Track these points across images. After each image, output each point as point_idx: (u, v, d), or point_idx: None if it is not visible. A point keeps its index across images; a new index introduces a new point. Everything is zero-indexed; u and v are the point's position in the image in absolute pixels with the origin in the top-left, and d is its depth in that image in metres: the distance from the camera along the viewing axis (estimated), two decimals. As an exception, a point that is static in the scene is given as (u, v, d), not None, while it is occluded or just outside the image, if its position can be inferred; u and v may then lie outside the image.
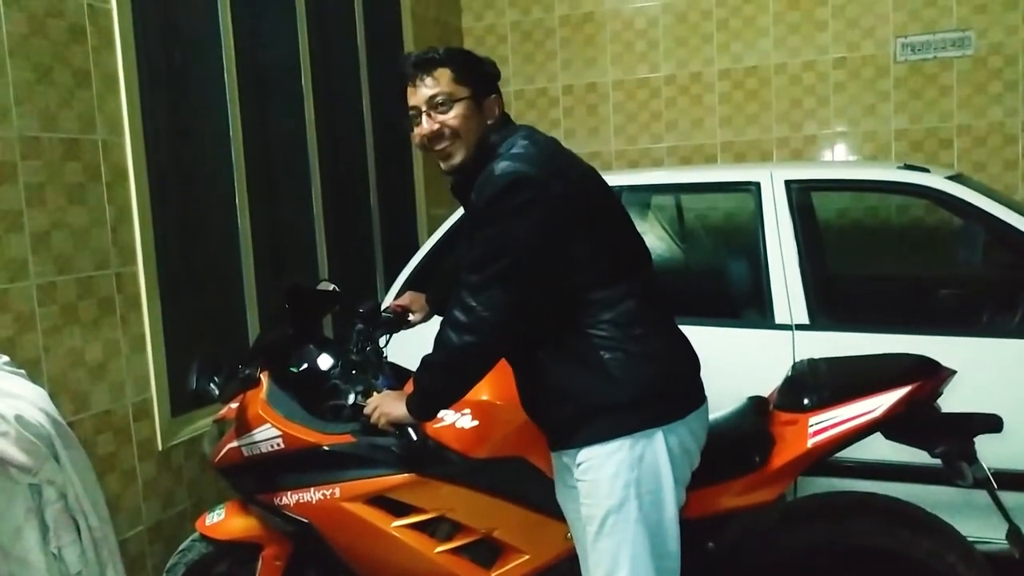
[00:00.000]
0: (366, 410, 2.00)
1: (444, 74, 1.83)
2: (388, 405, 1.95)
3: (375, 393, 2.10)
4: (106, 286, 2.72)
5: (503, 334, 1.78)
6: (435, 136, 1.83)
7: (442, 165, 1.88)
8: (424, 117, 1.84)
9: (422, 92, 1.84)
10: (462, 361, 1.81)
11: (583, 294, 1.78)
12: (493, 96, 1.89)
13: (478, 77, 1.87)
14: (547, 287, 1.76)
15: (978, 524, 2.32)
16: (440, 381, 1.86)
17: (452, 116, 1.82)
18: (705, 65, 4.96)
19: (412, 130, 1.89)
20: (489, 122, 1.86)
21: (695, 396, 1.89)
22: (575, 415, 1.81)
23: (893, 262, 4.26)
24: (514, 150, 1.77)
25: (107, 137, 2.74)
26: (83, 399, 2.63)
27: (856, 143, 4.75)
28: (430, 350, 1.86)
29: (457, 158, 1.84)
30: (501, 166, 1.73)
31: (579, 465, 1.83)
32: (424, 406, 1.91)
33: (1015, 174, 4.46)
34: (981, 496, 2.03)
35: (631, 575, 1.79)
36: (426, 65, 1.85)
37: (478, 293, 1.73)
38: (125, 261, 2.79)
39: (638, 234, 1.93)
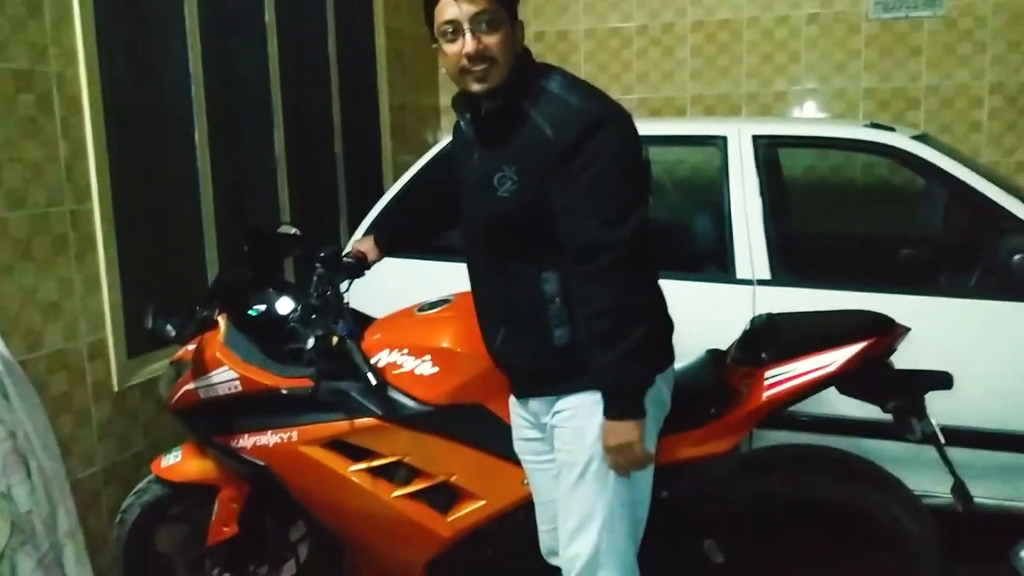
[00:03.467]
0: (613, 464, 1.78)
1: None
2: (626, 438, 1.73)
3: (335, 338, 2.08)
4: (60, 223, 2.65)
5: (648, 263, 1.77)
6: (476, 56, 1.71)
7: (475, 87, 1.75)
8: (468, 34, 1.71)
9: (465, 8, 1.70)
10: (649, 318, 1.73)
11: None
12: (519, 21, 1.81)
13: (513, 0, 1.79)
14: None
15: (926, 479, 2.37)
16: (646, 356, 1.73)
17: (496, 39, 1.72)
18: (678, 16, 4.91)
19: (440, 45, 1.77)
20: (518, 49, 1.78)
21: (672, 350, 1.90)
22: (566, 363, 1.78)
23: (856, 220, 4.30)
24: (578, 86, 1.76)
25: (61, 69, 2.65)
26: (36, 338, 2.58)
27: (825, 100, 4.75)
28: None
29: (494, 81, 1.74)
30: (576, 100, 1.72)
31: (560, 412, 1.83)
32: (641, 394, 1.74)
33: (979, 136, 4.50)
34: (930, 452, 2.08)
35: (606, 521, 1.80)
36: None
37: (633, 248, 1.68)
38: (80, 198, 2.72)
39: None
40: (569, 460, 1.83)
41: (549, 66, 1.82)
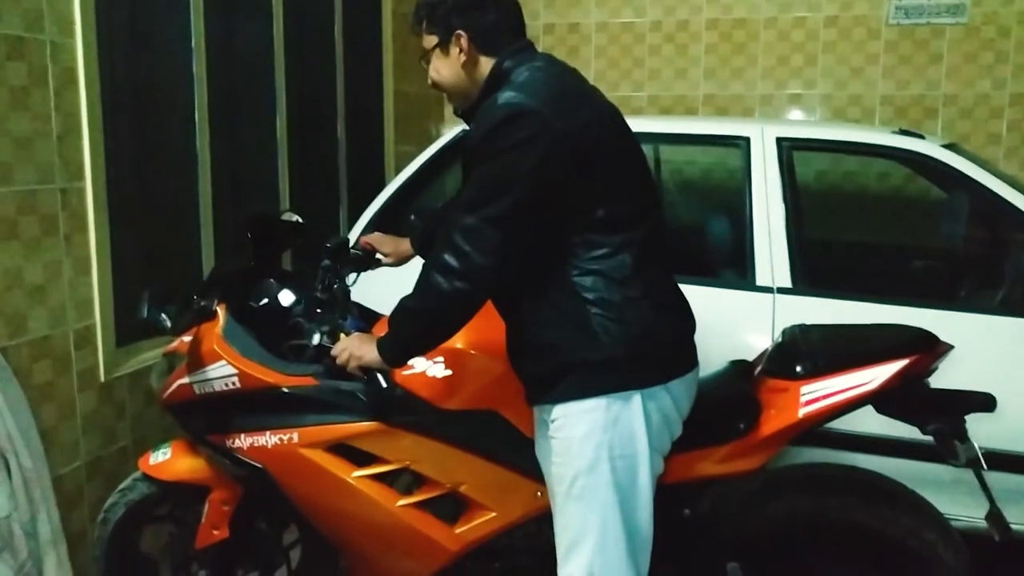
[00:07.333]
0: (334, 351, 1.87)
1: (423, 25, 1.80)
2: (360, 348, 1.82)
3: (343, 335, 1.96)
4: (49, 202, 2.51)
5: (495, 281, 1.67)
6: (434, 86, 1.84)
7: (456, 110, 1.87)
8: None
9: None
10: (449, 308, 1.70)
11: (576, 243, 1.66)
12: (456, 33, 1.73)
13: (439, 19, 1.75)
14: (543, 233, 1.64)
15: (955, 502, 2.27)
16: (420, 328, 1.75)
17: (432, 70, 1.81)
18: (693, 13, 4.79)
19: None
20: (463, 59, 1.74)
21: (682, 362, 1.79)
22: (553, 369, 1.71)
23: (871, 229, 4.19)
24: (521, 78, 1.66)
25: (56, 38, 2.50)
26: (20, 323, 2.43)
27: (841, 106, 4.64)
28: (409, 291, 1.73)
29: (459, 104, 1.83)
30: (505, 96, 1.62)
31: (553, 421, 1.74)
32: (398, 352, 1.80)
33: (997, 148, 4.41)
34: (960, 473, 1.97)
35: (599, 544, 1.70)
36: (415, 18, 1.83)
37: (473, 236, 1.61)
38: (72, 176, 2.58)
39: (651, 184, 1.81)
40: (558, 472, 1.75)
41: (534, 57, 1.74)
